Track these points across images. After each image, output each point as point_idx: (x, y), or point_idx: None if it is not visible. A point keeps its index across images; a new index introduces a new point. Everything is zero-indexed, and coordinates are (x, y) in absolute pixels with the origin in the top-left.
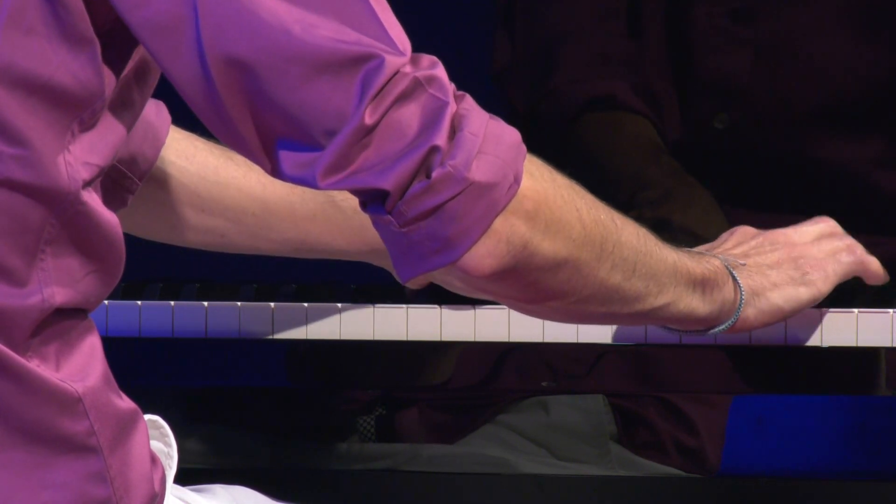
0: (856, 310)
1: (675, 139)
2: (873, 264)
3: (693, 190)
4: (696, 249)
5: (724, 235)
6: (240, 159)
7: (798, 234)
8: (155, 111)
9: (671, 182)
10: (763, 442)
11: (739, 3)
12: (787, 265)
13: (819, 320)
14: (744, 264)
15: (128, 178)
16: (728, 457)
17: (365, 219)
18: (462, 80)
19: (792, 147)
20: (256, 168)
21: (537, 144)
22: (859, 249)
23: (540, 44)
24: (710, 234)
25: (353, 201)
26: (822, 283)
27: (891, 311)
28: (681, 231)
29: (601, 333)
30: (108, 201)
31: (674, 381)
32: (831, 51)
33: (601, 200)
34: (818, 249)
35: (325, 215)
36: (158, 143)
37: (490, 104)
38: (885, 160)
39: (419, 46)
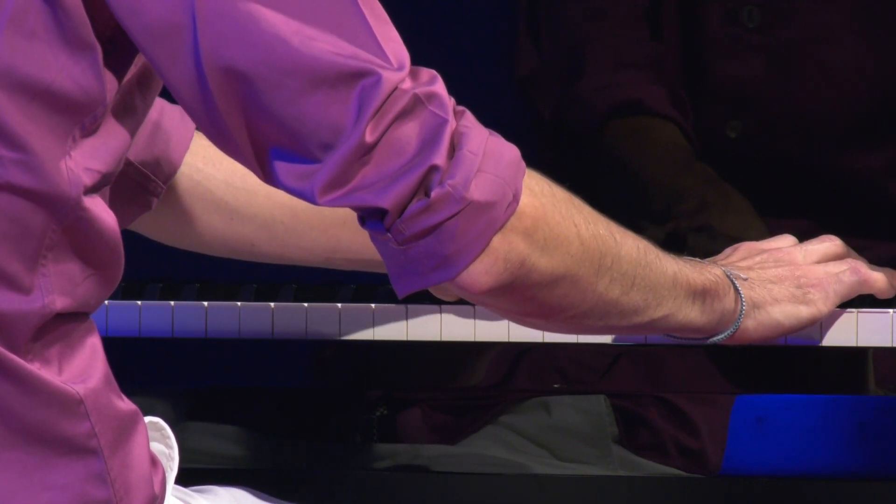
0: (856, 310)
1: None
2: (879, 281)
3: (728, 198)
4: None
5: (728, 250)
6: None
7: (802, 254)
8: (179, 115)
9: (705, 191)
10: (764, 442)
11: (752, 10)
12: (789, 282)
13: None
14: (746, 278)
15: (152, 181)
16: (729, 457)
17: None
18: (487, 86)
19: (804, 154)
20: None
21: (565, 151)
22: (863, 269)
23: (564, 49)
24: (749, 239)
25: None
26: (823, 304)
27: (891, 311)
28: (721, 238)
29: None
30: (132, 204)
31: (675, 381)
32: (844, 57)
33: (601, 213)
34: (822, 270)
35: (354, 220)
36: (182, 147)
37: (515, 111)
38: None
39: (443, 53)
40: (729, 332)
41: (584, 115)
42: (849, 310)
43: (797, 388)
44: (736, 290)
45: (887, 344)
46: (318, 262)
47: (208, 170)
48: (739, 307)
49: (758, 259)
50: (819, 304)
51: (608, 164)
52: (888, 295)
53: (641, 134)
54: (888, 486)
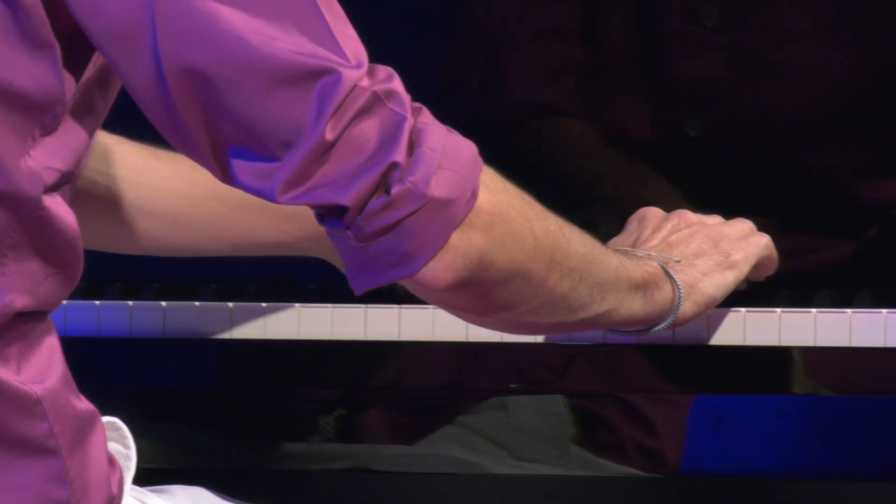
0: (814, 310)
1: (647, 145)
2: (775, 252)
3: (647, 180)
4: (619, 245)
5: (634, 222)
6: (166, 157)
7: (705, 217)
8: None
9: (619, 179)
10: (723, 442)
11: (712, 8)
12: (710, 250)
13: (777, 321)
14: (678, 260)
15: None
16: (688, 457)
17: None
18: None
19: (765, 153)
20: (183, 165)
21: (485, 155)
22: (765, 234)
23: (485, 53)
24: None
25: None
26: (744, 264)
27: (849, 310)
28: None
29: (560, 334)
30: None
31: (633, 381)
32: (804, 56)
33: (549, 209)
34: (731, 230)
35: (257, 204)
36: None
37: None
38: (857, 166)
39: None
40: (670, 320)
41: (502, 119)
42: (806, 309)
43: (757, 388)
44: (671, 278)
45: (845, 344)
46: (227, 250)
47: (109, 170)
48: (677, 295)
49: (669, 227)
50: (741, 265)
51: (526, 168)
52: (775, 266)
53: (554, 136)
54: (847, 485)
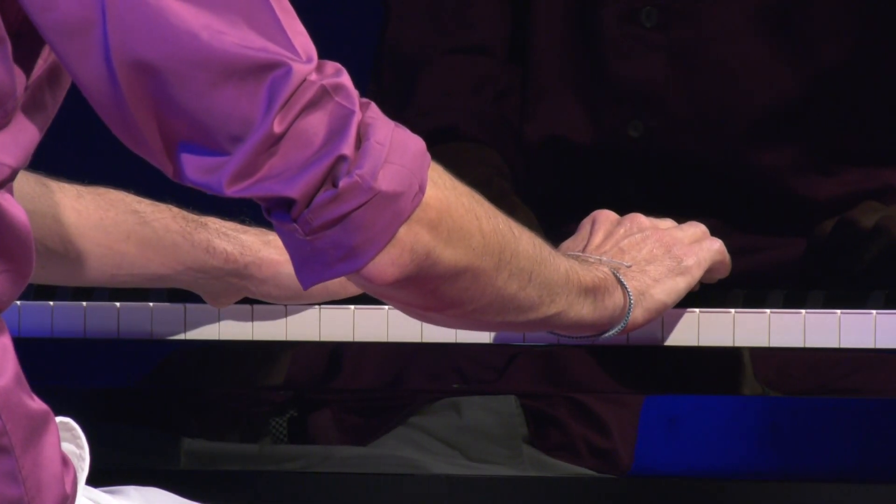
0: (768, 310)
1: (588, 147)
2: (728, 256)
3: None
4: (570, 251)
5: (587, 226)
6: (53, 185)
7: (658, 221)
8: None
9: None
10: (675, 442)
11: (650, 10)
12: (663, 256)
13: (731, 322)
14: (629, 266)
15: None
16: (640, 457)
17: (176, 237)
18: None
19: (708, 152)
20: (68, 194)
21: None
22: (717, 239)
23: (397, 71)
24: None
25: (165, 221)
26: (697, 269)
27: (803, 311)
28: None
29: (513, 335)
30: None
31: (585, 381)
32: (745, 56)
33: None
34: (684, 234)
35: (138, 235)
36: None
37: None
38: (798, 165)
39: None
40: (621, 326)
41: (446, 120)
42: (761, 310)
43: (709, 389)
44: (622, 285)
45: (799, 345)
46: (103, 281)
47: None
48: (628, 301)
49: (622, 232)
50: (694, 271)
51: (476, 168)
52: (727, 270)
53: (454, 159)
54: (799, 486)
